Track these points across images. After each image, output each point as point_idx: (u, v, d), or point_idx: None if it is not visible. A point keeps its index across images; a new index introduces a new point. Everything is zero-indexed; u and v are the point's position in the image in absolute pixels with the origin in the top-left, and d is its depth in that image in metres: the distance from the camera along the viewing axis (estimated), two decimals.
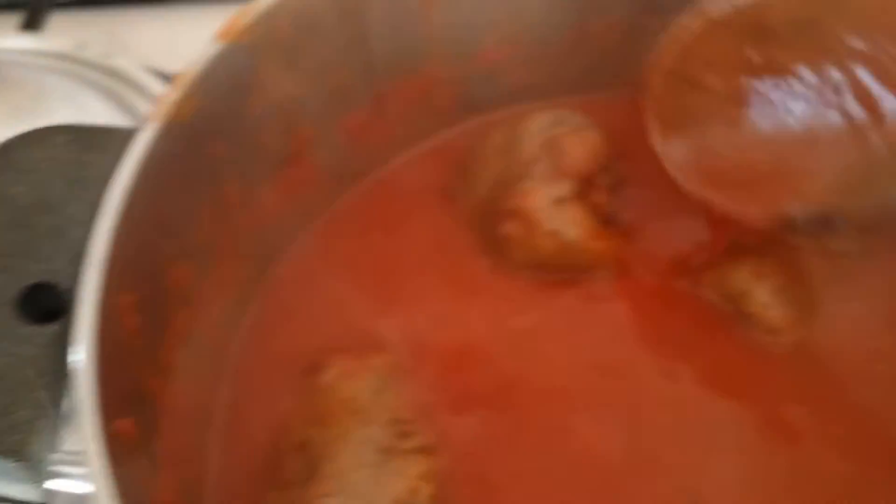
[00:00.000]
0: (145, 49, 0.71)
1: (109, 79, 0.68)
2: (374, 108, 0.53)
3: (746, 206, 0.46)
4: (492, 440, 0.46)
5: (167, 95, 0.40)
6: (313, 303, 0.51)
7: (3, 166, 0.41)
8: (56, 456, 0.38)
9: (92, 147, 0.40)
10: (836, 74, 0.44)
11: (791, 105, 0.45)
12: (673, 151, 0.47)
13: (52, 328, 0.38)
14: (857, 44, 0.43)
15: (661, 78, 0.47)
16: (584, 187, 0.50)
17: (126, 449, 0.35)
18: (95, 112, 0.63)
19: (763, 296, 0.47)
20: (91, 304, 0.34)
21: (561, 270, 0.51)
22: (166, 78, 0.67)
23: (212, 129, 0.43)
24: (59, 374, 0.37)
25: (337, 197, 0.55)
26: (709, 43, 0.46)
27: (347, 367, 0.45)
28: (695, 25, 0.46)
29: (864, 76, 0.43)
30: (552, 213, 0.49)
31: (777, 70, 0.45)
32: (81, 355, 0.34)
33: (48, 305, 0.39)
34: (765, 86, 0.45)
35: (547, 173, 0.50)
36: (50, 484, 0.39)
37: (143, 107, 0.64)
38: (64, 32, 0.73)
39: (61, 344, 0.37)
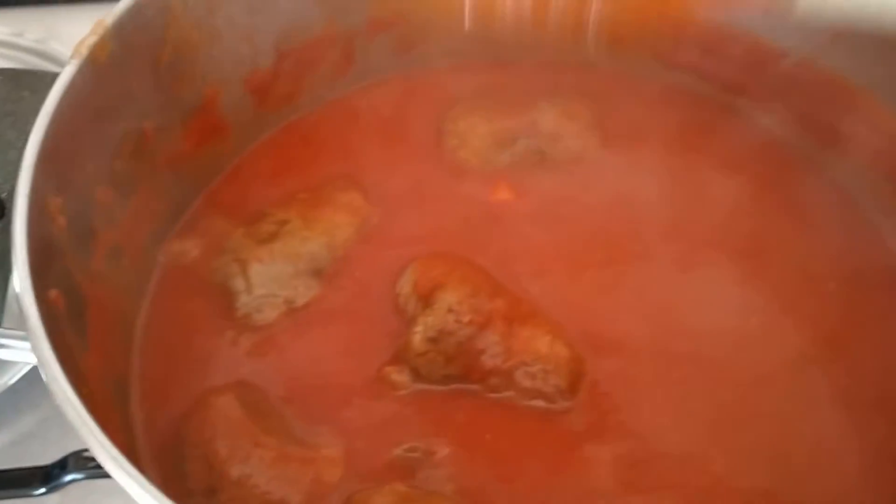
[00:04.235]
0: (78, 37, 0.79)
1: (45, 61, 0.75)
2: (276, 68, 0.62)
3: None
4: None
5: (86, 38, 0.48)
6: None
7: None
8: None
9: (23, 86, 0.48)
10: None
11: None
12: None
13: None
14: None
15: None
16: None
17: (57, 318, 0.43)
18: None
19: None
20: (24, 197, 0.42)
21: None
22: None
23: (127, 71, 0.51)
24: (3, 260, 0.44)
25: (246, 146, 0.64)
26: None
27: None
28: None
29: None
30: None
31: None
32: (19, 238, 0.42)
33: None
34: None
35: None
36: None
37: None
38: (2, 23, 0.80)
39: (4, 238, 0.44)
